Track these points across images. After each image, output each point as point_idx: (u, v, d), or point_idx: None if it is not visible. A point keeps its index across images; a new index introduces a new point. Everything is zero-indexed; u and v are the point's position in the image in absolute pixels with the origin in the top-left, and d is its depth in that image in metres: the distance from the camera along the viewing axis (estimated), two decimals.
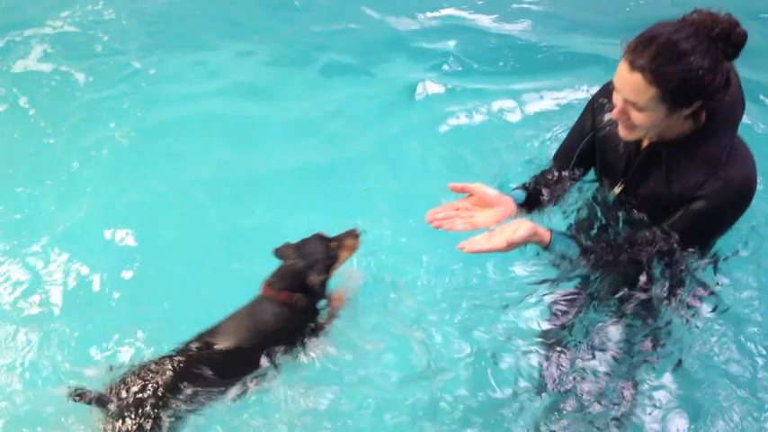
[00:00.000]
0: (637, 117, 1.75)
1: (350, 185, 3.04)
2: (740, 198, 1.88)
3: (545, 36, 3.96)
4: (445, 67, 3.77)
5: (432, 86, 3.59)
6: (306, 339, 2.11)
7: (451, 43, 3.96)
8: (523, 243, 1.86)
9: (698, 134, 1.82)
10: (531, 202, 2.19)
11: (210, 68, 3.80)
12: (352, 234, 2.19)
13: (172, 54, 3.85)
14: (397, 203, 2.84)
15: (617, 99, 1.79)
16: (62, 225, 2.89)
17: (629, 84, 1.69)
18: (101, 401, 1.95)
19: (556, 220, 2.25)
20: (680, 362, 2.16)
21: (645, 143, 1.94)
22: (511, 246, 1.82)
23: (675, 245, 1.94)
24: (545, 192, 2.22)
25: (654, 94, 1.66)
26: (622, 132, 1.86)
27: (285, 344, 2.08)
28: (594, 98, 2.11)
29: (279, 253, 2.18)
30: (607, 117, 2.01)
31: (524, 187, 2.22)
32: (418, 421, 2.10)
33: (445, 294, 2.40)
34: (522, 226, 1.86)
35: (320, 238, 2.16)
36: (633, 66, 1.66)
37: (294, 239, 2.20)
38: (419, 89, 3.58)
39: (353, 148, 3.28)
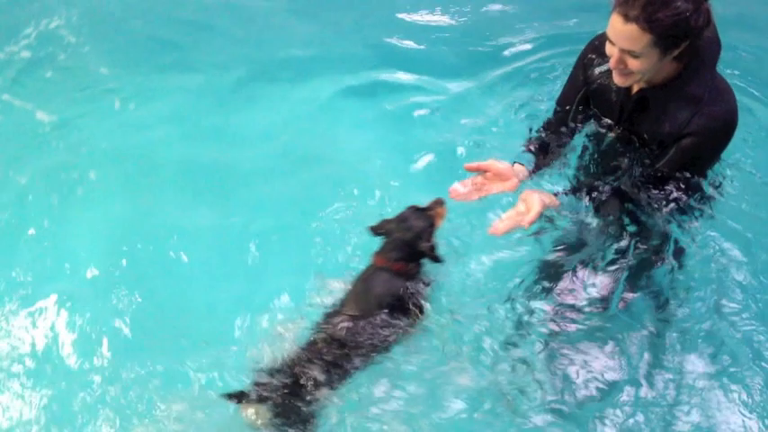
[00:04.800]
0: (633, 64, 1.94)
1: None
2: (725, 131, 2.09)
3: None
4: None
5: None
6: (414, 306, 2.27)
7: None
8: (540, 215, 2.09)
9: (682, 75, 2.03)
10: (539, 160, 2.38)
11: (182, 93, 3.69)
12: (440, 202, 2.37)
13: (137, 81, 3.71)
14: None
15: (612, 50, 1.96)
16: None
17: (625, 34, 1.86)
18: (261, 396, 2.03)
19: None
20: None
21: (634, 90, 2.14)
22: (531, 223, 2.06)
23: (670, 179, 2.18)
24: (551, 144, 2.42)
25: (649, 41, 1.85)
26: (618, 80, 2.04)
27: (400, 312, 2.23)
28: (583, 54, 2.31)
29: (380, 229, 2.33)
30: (598, 71, 2.24)
31: (531, 148, 2.41)
32: None
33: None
34: (533, 203, 2.08)
35: (416, 209, 2.34)
36: (627, 18, 1.83)
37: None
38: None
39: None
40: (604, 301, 2.35)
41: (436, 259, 2.25)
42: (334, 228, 2.80)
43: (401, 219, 2.31)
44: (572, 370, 2.30)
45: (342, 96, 3.63)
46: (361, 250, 2.59)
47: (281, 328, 2.38)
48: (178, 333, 2.55)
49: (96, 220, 3.04)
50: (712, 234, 2.57)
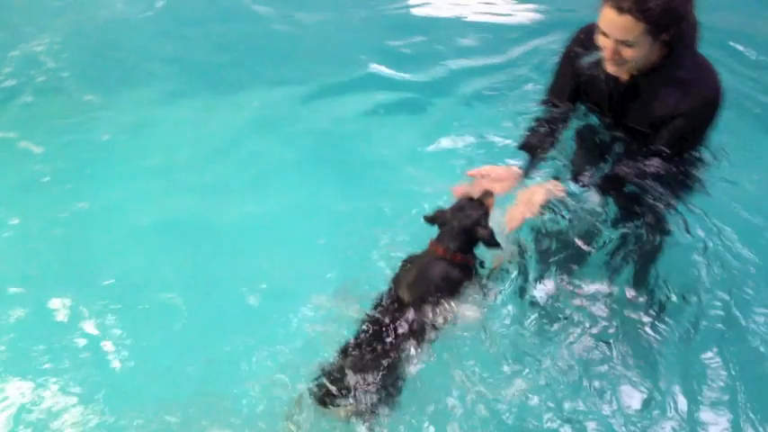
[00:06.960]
0: (628, 53, 2.02)
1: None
2: (713, 109, 2.16)
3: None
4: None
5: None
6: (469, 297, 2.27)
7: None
8: (546, 203, 2.21)
9: (669, 59, 2.11)
10: (534, 156, 2.46)
11: (176, 109, 3.62)
12: (489, 194, 2.40)
13: (124, 106, 3.58)
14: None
15: (606, 42, 2.04)
16: None
17: (620, 26, 1.95)
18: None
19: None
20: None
21: (623, 78, 2.21)
22: (541, 210, 2.17)
23: (663, 160, 2.23)
24: (545, 138, 2.47)
25: (642, 29, 1.94)
26: (613, 69, 2.13)
27: (454, 302, 2.23)
28: (569, 48, 2.38)
29: (437, 219, 2.34)
30: (585, 62, 2.31)
31: (524, 144, 2.48)
32: None
33: None
34: (538, 193, 2.21)
35: (470, 199, 2.35)
36: (621, 10, 1.92)
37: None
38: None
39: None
40: (610, 285, 2.42)
41: (496, 245, 2.27)
42: (344, 229, 2.83)
43: (458, 208, 2.34)
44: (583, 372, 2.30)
45: (342, 96, 3.69)
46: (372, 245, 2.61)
47: (324, 323, 2.36)
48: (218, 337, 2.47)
49: (91, 239, 2.92)
50: (714, 221, 2.61)
